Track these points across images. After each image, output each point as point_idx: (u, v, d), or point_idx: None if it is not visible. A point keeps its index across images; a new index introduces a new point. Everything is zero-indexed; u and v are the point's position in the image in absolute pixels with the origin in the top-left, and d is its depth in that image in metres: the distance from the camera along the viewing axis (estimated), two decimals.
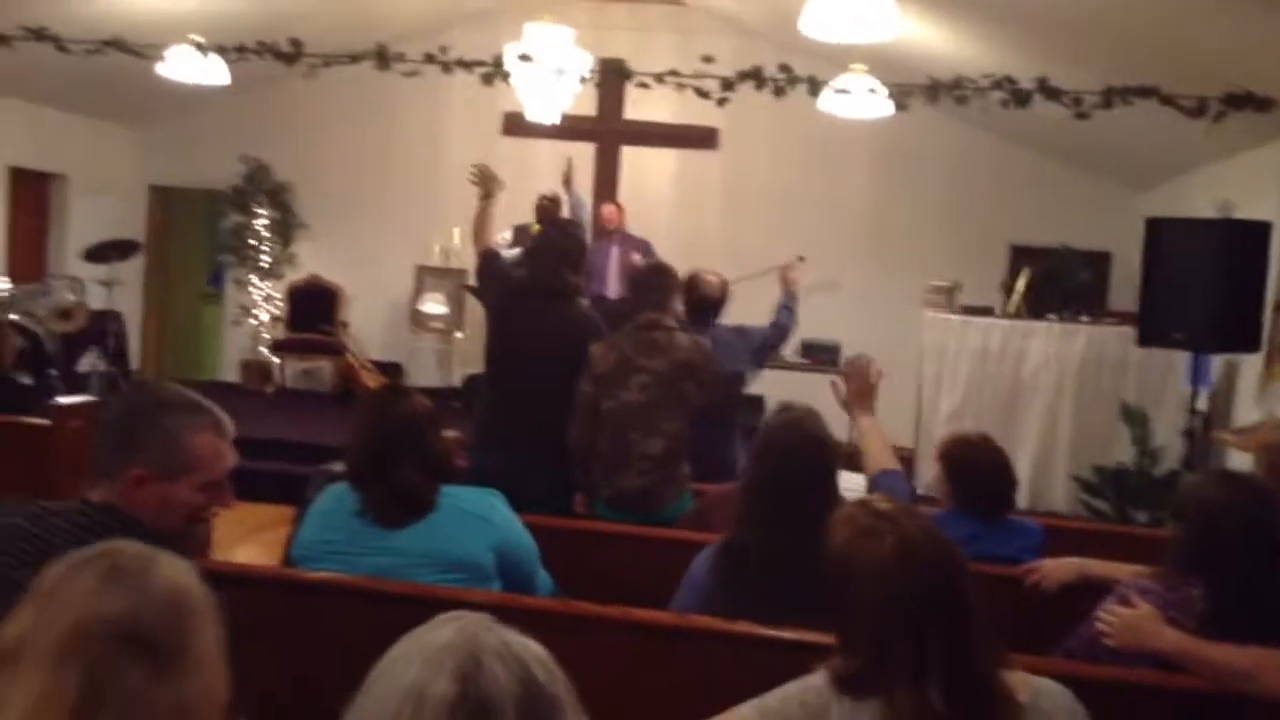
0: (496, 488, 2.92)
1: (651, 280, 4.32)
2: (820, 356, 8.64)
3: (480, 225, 4.60)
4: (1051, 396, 7.51)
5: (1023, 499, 7.20)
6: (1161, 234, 6.15)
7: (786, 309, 4.96)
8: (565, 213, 8.25)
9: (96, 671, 1.17)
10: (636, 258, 8.06)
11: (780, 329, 4.93)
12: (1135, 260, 6.71)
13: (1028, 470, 7.36)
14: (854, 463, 3.25)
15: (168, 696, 1.20)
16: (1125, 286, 8.54)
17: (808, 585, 2.02)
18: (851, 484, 3.04)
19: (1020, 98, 5.87)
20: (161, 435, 2.00)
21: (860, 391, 3.33)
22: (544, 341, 4.22)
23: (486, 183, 4.57)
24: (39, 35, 6.19)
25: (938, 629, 1.70)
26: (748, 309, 5.28)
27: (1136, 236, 6.51)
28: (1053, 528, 3.67)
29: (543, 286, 4.30)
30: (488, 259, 4.53)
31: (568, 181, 8.46)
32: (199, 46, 6.75)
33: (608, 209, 8.92)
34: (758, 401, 7.53)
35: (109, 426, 2.06)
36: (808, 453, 2.70)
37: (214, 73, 6.97)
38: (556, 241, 4.40)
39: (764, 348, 4.87)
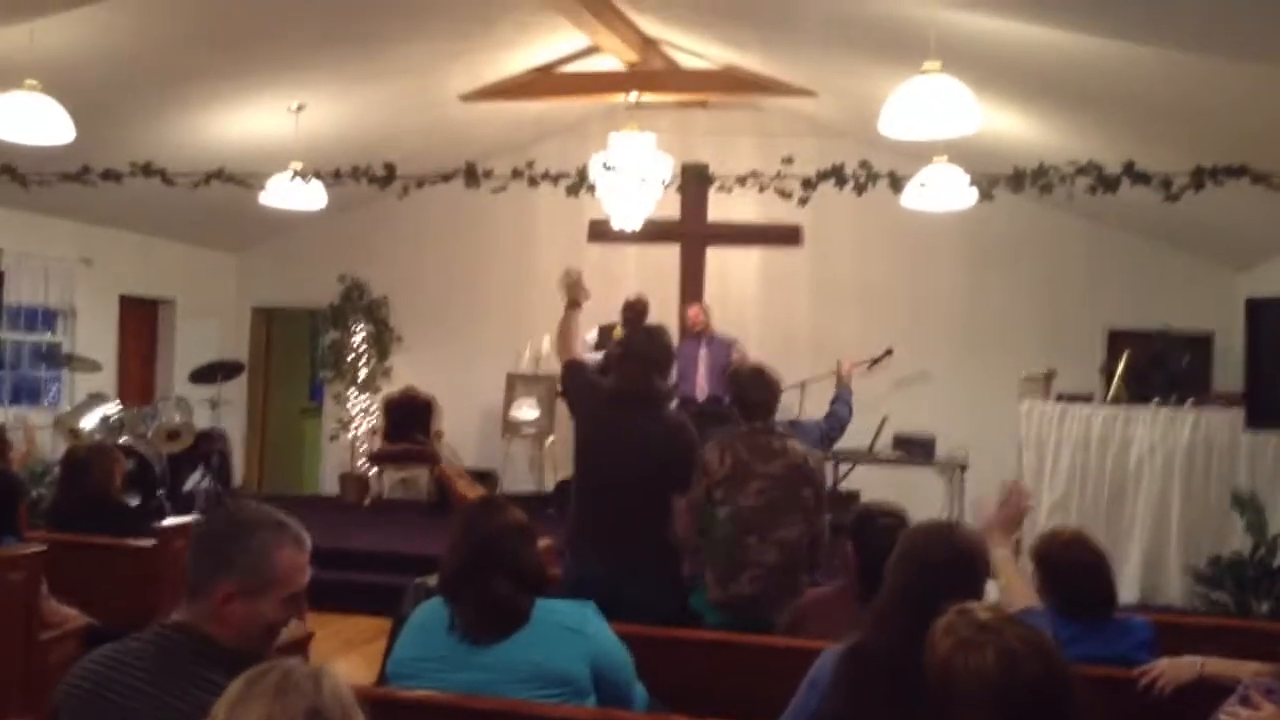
0: (591, 597, 2.90)
1: (758, 384, 4.37)
2: (914, 450, 8.51)
3: (566, 335, 4.64)
4: (1160, 485, 7.24)
5: (1135, 593, 6.95)
6: (1263, 314, 6.01)
7: (842, 402, 5.15)
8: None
9: None
10: (735, 355, 8.02)
11: (836, 421, 5.07)
12: (1238, 341, 6.53)
13: (1139, 563, 7.10)
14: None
15: None
16: (1229, 368, 8.28)
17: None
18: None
19: (1108, 183, 5.79)
20: (250, 553, 2.05)
21: (1009, 520, 3.20)
22: (636, 449, 4.21)
23: (573, 290, 4.60)
24: (147, 171, 6.49)
25: None
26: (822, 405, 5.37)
27: (1238, 316, 6.34)
28: (1167, 624, 3.53)
29: (632, 394, 4.32)
30: (573, 370, 4.55)
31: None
32: (298, 174, 7.02)
33: (692, 310, 8.88)
34: (853, 497, 7.42)
35: (198, 546, 2.11)
36: (958, 569, 2.47)
37: (312, 198, 7.23)
38: (644, 348, 4.40)
39: (821, 441, 4.93)
